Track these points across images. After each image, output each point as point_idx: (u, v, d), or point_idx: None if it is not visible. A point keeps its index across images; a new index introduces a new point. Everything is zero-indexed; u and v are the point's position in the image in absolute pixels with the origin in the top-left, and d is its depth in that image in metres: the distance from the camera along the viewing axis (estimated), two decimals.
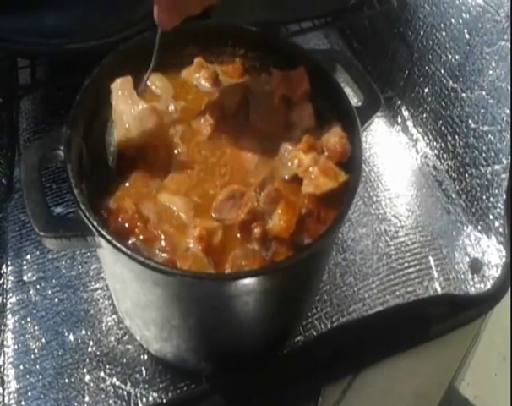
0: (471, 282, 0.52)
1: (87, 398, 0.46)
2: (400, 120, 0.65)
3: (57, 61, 0.64)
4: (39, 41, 0.56)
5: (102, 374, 0.47)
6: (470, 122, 0.56)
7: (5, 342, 0.49)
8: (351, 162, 0.41)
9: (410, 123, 0.64)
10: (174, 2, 0.40)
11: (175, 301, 0.40)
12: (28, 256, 0.54)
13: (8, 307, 0.51)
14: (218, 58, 0.48)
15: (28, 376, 0.47)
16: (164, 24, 0.41)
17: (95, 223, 0.37)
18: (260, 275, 0.36)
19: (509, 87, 0.52)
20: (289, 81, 0.46)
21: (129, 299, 0.43)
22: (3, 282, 0.53)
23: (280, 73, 0.46)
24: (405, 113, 0.64)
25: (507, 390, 1.23)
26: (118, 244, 0.36)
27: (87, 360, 0.48)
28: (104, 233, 0.36)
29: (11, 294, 0.52)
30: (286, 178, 0.42)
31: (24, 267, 0.54)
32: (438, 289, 0.52)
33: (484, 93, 0.55)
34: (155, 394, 0.46)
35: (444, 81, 0.59)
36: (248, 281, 0.36)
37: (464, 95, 0.57)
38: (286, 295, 0.42)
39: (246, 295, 0.38)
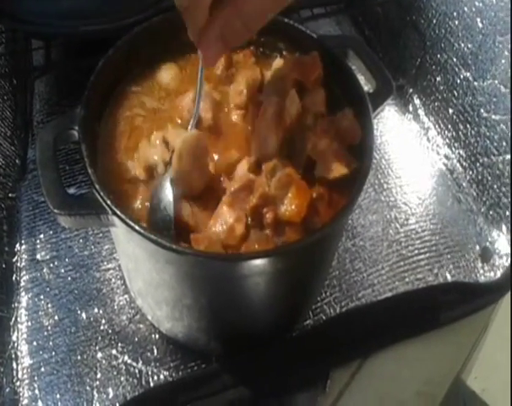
0: (481, 271, 0.52)
1: (99, 375, 0.46)
2: (411, 108, 0.65)
3: (71, 43, 0.64)
4: (54, 23, 0.57)
5: (114, 351, 0.48)
6: (482, 111, 0.56)
7: (19, 319, 0.50)
8: (363, 148, 0.41)
9: (421, 112, 0.64)
10: (224, 35, 0.33)
11: (187, 280, 0.40)
12: (41, 236, 0.55)
13: (21, 285, 0.52)
14: None
15: (41, 353, 0.48)
16: (210, 61, 0.36)
17: (108, 202, 0.37)
18: (271, 256, 0.37)
19: None
20: (302, 66, 0.46)
21: (142, 279, 0.44)
22: (17, 260, 0.54)
23: (294, 57, 0.46)
24: (417, 102, 0.64)
25: None
26: (132, 224, 0.36)
27: (99, 338, 0.48)
28: (118, 212, 0.37)
29: (24, 272, 0.53)
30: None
31: (38, 246, 0.54)
32: (448, 277, 0.52)
33: (496, 82, 0.55)
34: (166, 372, 0.47)
35: (457, 70, 0.59)
36: (259, 262, 0.36)
37: (476, 84, 0.57)
38: (297, 277, 0.42)
39: (257, 276, 0.39)
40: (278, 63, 0.47)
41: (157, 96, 0.45)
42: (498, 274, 0.51)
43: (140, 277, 0.44)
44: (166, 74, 0.47)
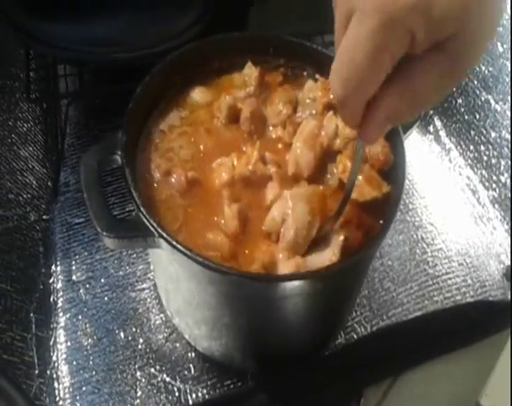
0: (507, 288, 0.53)
1: (139, 393, 0.48)
2: (432, 130, 0.67)
3: (102, 70, 0.66)
4: (87, 49, 0.59)
5: (153, 370, 0.49)
6: (503, 132, 0.57)
7: (58, 340, 0.51)
8: (394, 172, 0.43)
9: (442, 133, 0.66)
10: (389, 118, 0.30)
11: (228, 300, 0.41)
12: (76, 257, 0.57)
13: (58, 306, 0.53)
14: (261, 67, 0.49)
15: (81, 372, 0.49)
16: (373, 141, 0.33)
17: (155, 225, 0.39)
18: (310, 278, 0.38)
19: None
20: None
21: (181, 298, 0.45)
22: (53, 282, 0.55)
23: (325, 81, 0.48)
24: (438, 123, 0.66)
25: None
26: (179, 246, 0.38)
27: (137, 357, 0.50)
28: (165, 235, 0.38)
29: (61, 293, 0.54)
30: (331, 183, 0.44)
31: (73, 267, 0.56)
32: (475, 296, 0.53)
33: None
34: (204, 390, 0.48)
35: (478, 92, 0.61)
36: (298, 283, 0.38)
37: (497, 106, 0.58)
38: (331, 299, 0.44)
39: (295, 297, 0.40)
40: (310, 85, 0.48)
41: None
42: None
43: (180, 297, 0.45)
44: (199, 97, 0.49)
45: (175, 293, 0.46)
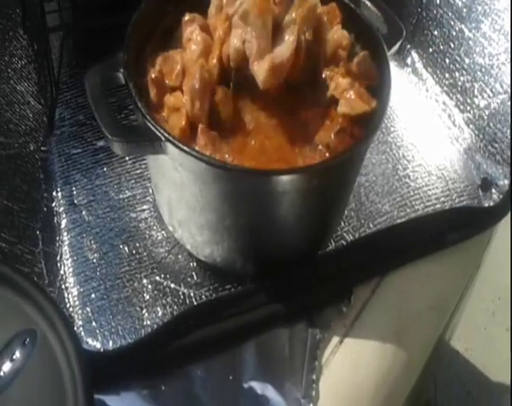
0: (482, 199, 0.58)
1: (147, 297, 0.51)
2: (409, 62, 0.70)
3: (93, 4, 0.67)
4: None
5: (158, 278, 0.52)
6: (476, 57, 0.62)
7: (64, 256, 0.54)
8: (381, 87, 0.47)
9: (419, 65, 0.69)
10: None
11: (230, 199, 0.45)
12: (77, 183, 0.59)
13: (62, 226, 0.56)
14: None
15: (90, 282, 0.52)
16: None
17: (161, 130, 0.42)
18: (306, 172, 0.42)
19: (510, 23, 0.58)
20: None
21: (185, 206, 0.48)
22: (56, 205, 0.58)
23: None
24: (415, 56, 0.70)
25: (496, 343, 1.31)
26: (185, 147, 0.41)
27: (143, 268, 0.53)
28: (171, 138, 0.41)
29: (64, 215, 0.57)
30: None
31: (74, 192, 0.58)
32: (454, 204, 0.58)
33: (489, 31, 0.60)
34: (207, 293, 0.51)
35: (452, 23, 0.65)
36: (294, 177, 0.42)
37: (470, 34, 0.63)
38: (325, 196, 0.47)
39: (292, 193, 0.44)
40: None
41: None
42: (497, 200, 0.57)
43: (184, 204, 0.48)
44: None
45: (178, 201, 0.49)
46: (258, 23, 0.42)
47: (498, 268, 1.35)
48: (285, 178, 0.42)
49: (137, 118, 0.45)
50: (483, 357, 1.31)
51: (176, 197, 0.49)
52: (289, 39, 0.43)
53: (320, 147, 0.44)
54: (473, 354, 1.32)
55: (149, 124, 0.42)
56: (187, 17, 0.48)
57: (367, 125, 0.45)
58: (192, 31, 0.47)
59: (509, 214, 0.56)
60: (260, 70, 0.43)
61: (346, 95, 0.46)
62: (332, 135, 0.45)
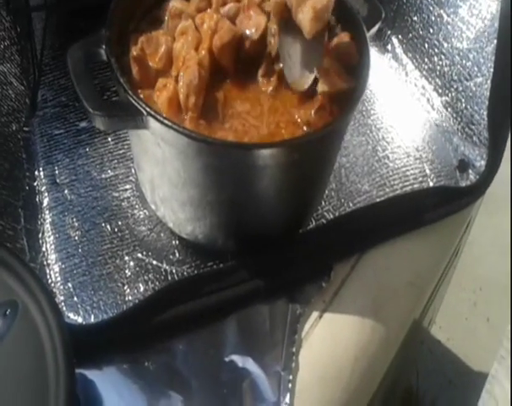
0: (459, 179, 0.59)
1: (129, 273, 0.51)
2: (390, 48, 0.72)
3: None
4: None
5: (140, 255, 0.53)
6: (454, 42, 0.63)
7: (46, 233, 0.54)
8: (361, 66, 0.48)
9: (399, 50, 0.71)
10: None
11: (212, 174, 0.45)
12: (59, 163, 0.59)
13: (44, 205, 0.56)
14: None
15: (71, 258, 0.52)
16: None
17: (143, 105, 0.42)
18: (285, 146, 0.43)
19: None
20: None
21: (167, 182, 0.49)
22: (38, 184, 0.58)
23: None
24: (395, 41, 0.71)
25: (477, 333, 1.33)
26: (167, 121, 0.42)
27: (124, 245, 0.53)
28: (152, 112, 0.42)
29: (46, 194, 0.57)
30: None
31: (56, 172, 0.59)
32: (431, 184, 0.59)
33: (467, 15, 0.62)
34: (189, 270, 0.52)
35: (431, 8, 0.66)
36: (274, 151, 0.42)
37: (449, 19, 0.64)
38: (306, 173, 0.48)
39: (273, 167, 0.45)
40: None
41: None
42: (474, 181, 0.58)
43: (166, 180, 0.49)
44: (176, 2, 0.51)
45: (161, 178, 0.50)
46: None
47: (480, 259, 1.38)
48: (265, 152, 0.42)
49: (119, 97, 0.45)
50: (464, 346, 1.33)
51: (158, 173, 0.49)
52: None
53: (302, 125, 0.45)
54: (454, 344, 1.35)
55: (130, 99, 0.43)
56: (173, 8, 0.49)
57: (346, 103, 0.46)
58: (187, 27, 0.48)
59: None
60: (305, 20, 0.43)
61: (326, 74, 0.47)
62: (312, 112, 0.46)
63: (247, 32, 0.48)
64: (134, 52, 0.47)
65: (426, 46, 0.67)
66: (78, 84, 0.44)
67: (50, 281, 0.51)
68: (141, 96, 0.45)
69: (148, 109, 0.42)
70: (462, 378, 1.28)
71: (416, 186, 0.58)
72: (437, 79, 0.65)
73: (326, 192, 0.57)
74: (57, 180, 0.58)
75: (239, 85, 0.47)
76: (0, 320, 0.39)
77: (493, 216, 1.26)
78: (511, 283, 1.04)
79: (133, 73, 0.47)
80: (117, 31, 0.48)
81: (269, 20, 0.48)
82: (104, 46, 0.46)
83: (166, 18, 0.50)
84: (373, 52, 0.72)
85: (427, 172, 0.60)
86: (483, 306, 1.40)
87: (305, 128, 0.45)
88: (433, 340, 1.34)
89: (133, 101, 0.43)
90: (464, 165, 0.60)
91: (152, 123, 0.42)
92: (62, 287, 0.50)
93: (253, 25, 0.48)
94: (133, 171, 0.59)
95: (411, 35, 0.69)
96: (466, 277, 1.35)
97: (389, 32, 0.72)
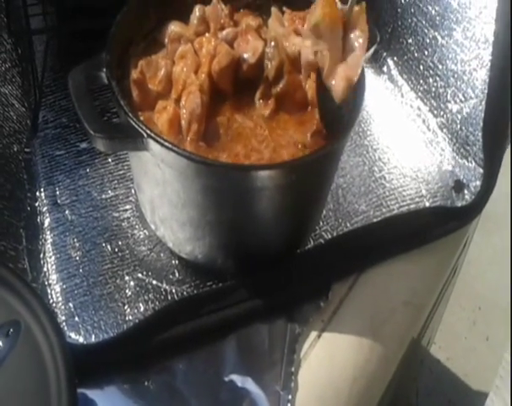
0: (455, 200, 0.60)
1: (129, 293, 0.52)
2: (386, 70, 0.73)
3: (65, 9, 0.68)
4: None
5: (140, 275, 0.53)
6: (449, 63, 0.64)
7: (47, 254, 0.55)
8: (356, 88, 0.48)
9: (395, 72, 0.72)
10: None
11: (211, 195, 0.46)
12: (60, 184, 0.60)
13: (45, 225, 0.57)
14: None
15: (72, 278, 0.53)
16: None
17: (143, 127, 0.43)
18: (284, 168, 0.44)
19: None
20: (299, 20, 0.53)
21: (167, 203, 0.49)
22: (39, 205, 0.58)
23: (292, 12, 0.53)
24: (391, 63, 0.72)
25: (476, 352, 1.33)
26: (167, 143, 0.42)
27: (125, 265, 0.54)
28: (153, 134, 0.43)
29: (47, 215, 0.58)
30: None
31: (58, 192, 0.59)
32: (428, 205, 0.60)
33: (461, 38, 0.63)
34: (189, 290, 0.53)
35: (426, 31, 0.67)
36: (273, 172, 0.43)
37: (443, 41, 0.65)
38: (304, 193, 0.49)
39: (272, 189, 0.46)
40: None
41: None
42: (469, 200, 0.59)
43: (166, 201, 0.49)
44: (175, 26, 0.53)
45: (160, 199, 0.50)
46: (330, 34, 0.43)
47: (478, 277, 1.39)
48: (264, 173, 0.43)
49: (119, 119, 0.46)
50: (464, 366, 1.33)
51: (158, 194, 0.50)
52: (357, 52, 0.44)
53: (299, 147, 0.46)
54: (454, 363, 1.35)
55: (131, 121, 0.44)
56: (172, 33, 0.50)
57: (342, 124, 0.47)
58: (186, 51, 0.49)
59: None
60: (338, 88, 0.44)
61: None
62: (308, 136, 0.47)
63: (245, 56, 0.49)
64: (135, 75, 0.48)
65: (421, 67, 0.68)
66: (80, 106, 0.45)
67: (51, 301, 0.51)
68: (141, 118, 0.46)
69: (148, 131, 0.43)
70: (462, 397, 1.28)
71: (412, 206, 0.59)
72: (432, 101, 0.66)
73: (324, 212, 0.58)
74: (58, 201, 0.58)
75: (237, 108, 0.49)
76: (3, 339, 0.40)
77: (491, 234, 1.27)
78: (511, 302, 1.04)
79: (134, 95, 0.48)
80: (117, 55, 0.49)
81: (267, 45, 0.49)
82: (104, 70, 0.47)
83: (166, 41, 0.51)
84: (369, 74, 0.73)
85: (424, 192, 0.60)
86: (483, 325, 1.40)
87: (302, 150, 0.46)
88: (432, 359, 1.34)
89: (134, 124, 0.43)
90: (460, 185, 0.60)
91: (152, 145, 0.43)
92: (63, 307, 0.51)
93: (250, 49, 0.49)
94: (132, 191, 0.59)
95: (406, 57, 0.70)
96: (465, 296, 1.36)
97: (384, 54, 0.73)
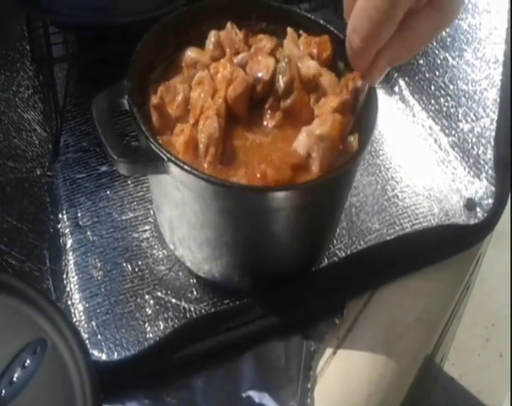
0: (468, 217, 0.61)
1: (149, 312, 0.53)
2: (397, 90, 0.74)
3: (85, 37, 0.71)
4: (88, 15, 0.64)
5: (159, 294, 0.55)
6: (460, 83, 0.65)
7: (70, 274, 0.57)
8: (368, 109, 0.50)
9: (406, 92, 0.73)
10: (390, 62, 0.40)
11: (229, 216, 0.47)
12: (81, 206, 0.62)
13: (68, 246, 0.59)
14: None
15: (95, 298, 0.54)
16: (377, 80, 0.43)
17: (164, 151, 0.45)
18: (300, 189, 0.45)
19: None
20: (314, 46, 0.54)
21: (186, 223, 0.51)
22: (61, 227, 0.60)
23: (306, 37, 0.55)
24: (402, 83, 0.74)
25: (490, 369, 1.33)
26: (186, 166, 0.44)
27: (145, 284, 0.55)
28: (173, 158, 0.44)
29: (70, 236, 0.59)
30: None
31: (79, 214, 0.61)
32: (440, 223, 0.61)
33: (472, 58, 0.64)
34: (207, 308, 0.54)
35: (437, 52, 0.69)
36: (289, 194, 0.45)
37: (454, 62, 0.67)
38: (319, 213, 0.50)
39: (288, 209, 0.47)
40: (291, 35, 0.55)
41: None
42: (482, 218, 0.60)
43: (185, 222, 0.51)
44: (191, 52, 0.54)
45: (179, 219, 0.52)
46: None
47: (491, 294, 1.38)
48: (280, 195, 0.45)
49: (139, 143, 0.48)
50: (477, 383, 1.33)
51: (177, 215, 0.52)
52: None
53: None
54: (467, 380, 1.34)
55: (152, 146, 0.45)
56: (188, 59, 0.52)
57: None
58: (203, 78, 0.51)
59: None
60: None
61: None
62: None
63: (259, 75, 0.50)
64: (155, 100, 0.50)
65: (432, 88, 0.70)
66: (103, 132, 0.47)
67: (74, 319, 0.53)
68: (160, 141, 0.48)
69: (168, 155, 0.45)
70: None
71: (425, 224, 0.60)
72: (443, 120, 0.68)
73: (338, 231, 0.59)
74: (80, 222, 0.60)
75: (251, 130, 0.50)
76: (30, 357, 0.41)
77: (504, 251, 1.27)
78: None
79: (153, 120, 0.50)
80: (137, 82, 0.51)
81: (279, 62, 0.51)
82: (126, 97, 0.49)
83: (183, 64, 0.53)
84: (381, 94, 0.75)
85: (436, 210, 0.62)
86: (496, 342, 1.40)
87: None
88: (446, 376, 1.34)
89: (155, 148, 0.45)
90: (472, 203, 0.61)
91: (172, 168, 0.45)
92: (86, 325, 0.52)
93: (263, 68, 0.51)
94: (151, 212, 0.61)
95: (417, 77, 0.72)
96: (478, 313, 1.36)
97: (396, 75, 0.75)
